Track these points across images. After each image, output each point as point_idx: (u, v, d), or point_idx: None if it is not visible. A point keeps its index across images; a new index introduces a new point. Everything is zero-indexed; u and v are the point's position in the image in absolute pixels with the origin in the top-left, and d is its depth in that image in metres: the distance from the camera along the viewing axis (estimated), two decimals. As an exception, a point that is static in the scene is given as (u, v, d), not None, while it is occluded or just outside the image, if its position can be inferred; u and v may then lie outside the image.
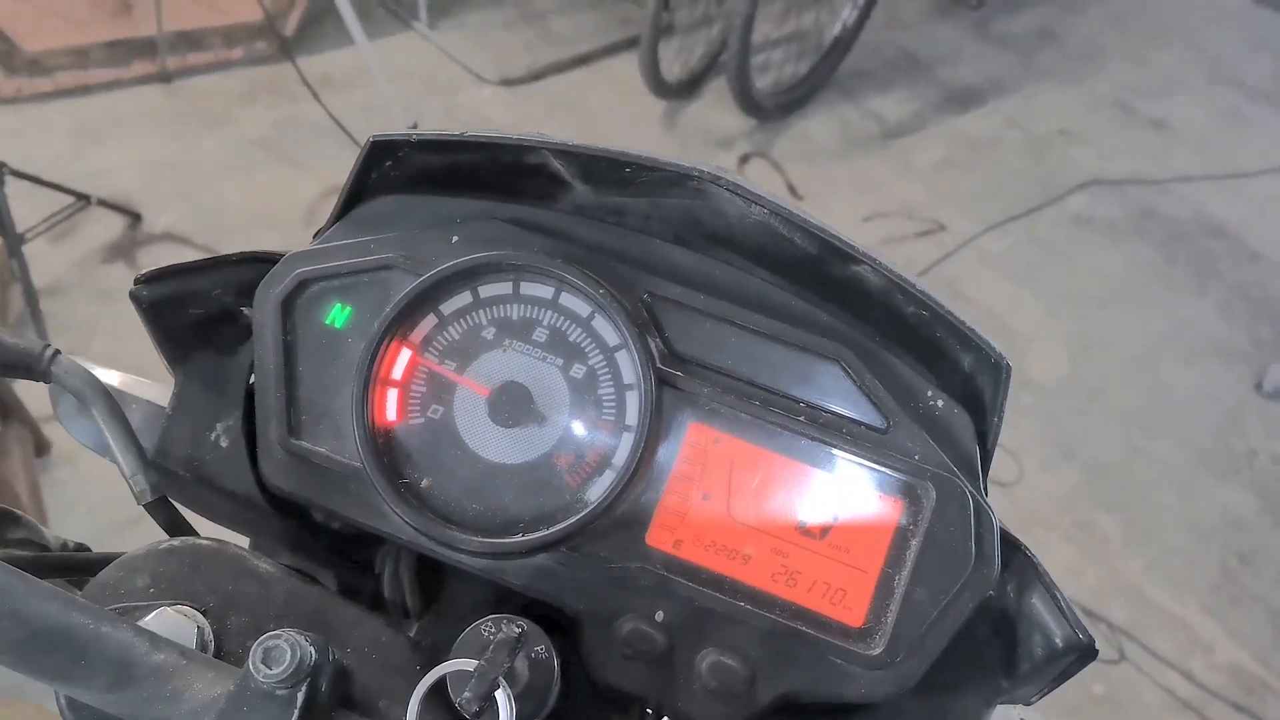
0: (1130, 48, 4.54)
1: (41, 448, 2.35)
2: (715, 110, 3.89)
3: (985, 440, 0.60)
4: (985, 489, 0.58)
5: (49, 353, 0.61)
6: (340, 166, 3.33)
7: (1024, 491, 2.74)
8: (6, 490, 2.11)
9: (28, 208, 2.70)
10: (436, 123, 3.45)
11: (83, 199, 2.90)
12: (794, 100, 3.93)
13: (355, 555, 0.72)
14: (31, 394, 2.35)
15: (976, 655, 0.60)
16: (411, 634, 0.60)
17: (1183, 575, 2.64)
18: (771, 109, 3.83)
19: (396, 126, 3.10)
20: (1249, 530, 2.76)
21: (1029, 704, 0.61)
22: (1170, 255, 3.59)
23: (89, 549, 0.71)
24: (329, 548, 0.71)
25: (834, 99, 4.06)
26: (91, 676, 0.48)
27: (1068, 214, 3.70)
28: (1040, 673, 0.58)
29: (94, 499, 2.34)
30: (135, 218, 3.04)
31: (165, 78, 3.58)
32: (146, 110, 3.53)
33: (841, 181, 3.70)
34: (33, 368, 0.60)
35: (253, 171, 3.34)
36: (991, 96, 4.19)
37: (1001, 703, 0.60)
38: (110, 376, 0.71)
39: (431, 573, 0.70)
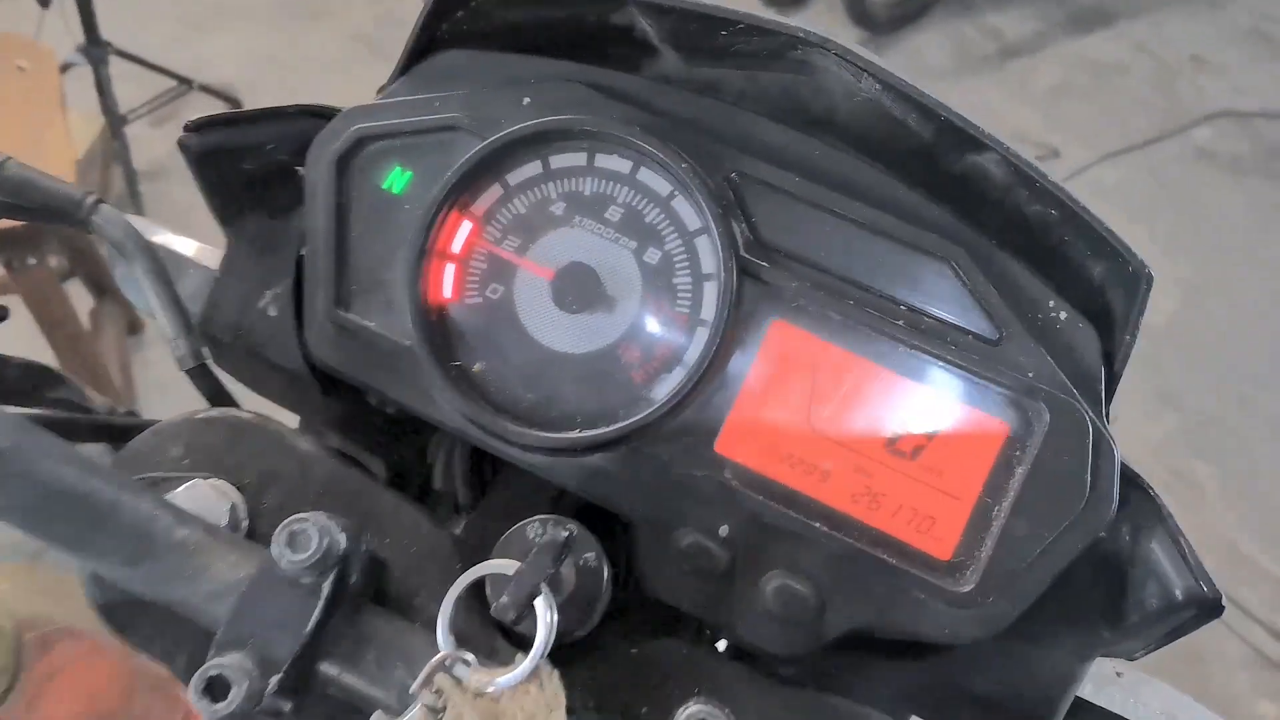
0: (1275, -28, 4.21)
1: (135, 326, 2.39)
2: (824, 21, 3.72)
3: (1112, 362, 0.52)
4: (1107, 416, 0.51)
5: (90, 199, 0.57)
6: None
7: (1119, 433, 2.60)
8: (97, 366, 2.15)
9: (131, 90, 2.72)
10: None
11: (185, 83, 2.92)
12: (908, 13, 3.75)
13: (409, 443, 0.68)
14: (123, 272, 2.38)
15: (1077, 602, 0.53)
16: (458, 531, 0.56)
17: (1278, 532, 2.51)
18: (884, 21, 3.66)
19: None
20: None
21: (1132, 659, 0.54)
22: (1301, 198, 3.36)
23: (138, 416, 0.69)
24: (382, 433, 0.67)
25: (950, 14, 3.85)
26: (108, 547, 0.45)
27: (1191, 147, 3.48)
28: (1151, 627, 0.51)
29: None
30: (235, 105, 3.05)
31: (268, -37, 3.55)
32: (251, 1, 3.52)
33: (952, 101, 3.50)
34: (71, 214, 0.56)
35: (351, 66, 3.32)
36: (1120, 19, 3.93)
37: (1102, 655, 0.54)
38: (167, 238, 0.67)
39: (488, 467, 0.66)
